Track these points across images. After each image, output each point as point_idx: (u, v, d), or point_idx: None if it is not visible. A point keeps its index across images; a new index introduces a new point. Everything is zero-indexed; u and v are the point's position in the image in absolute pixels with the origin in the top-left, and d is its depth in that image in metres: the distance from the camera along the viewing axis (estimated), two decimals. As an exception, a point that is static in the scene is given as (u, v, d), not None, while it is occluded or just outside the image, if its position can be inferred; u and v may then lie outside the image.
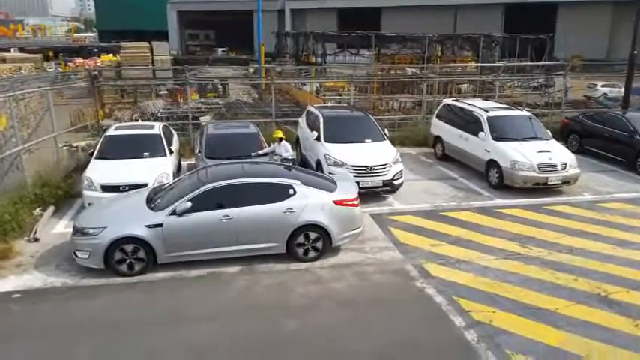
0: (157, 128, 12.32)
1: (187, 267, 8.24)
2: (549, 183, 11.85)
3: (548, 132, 13.27)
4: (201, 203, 8.14)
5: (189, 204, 8.07)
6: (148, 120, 17.42)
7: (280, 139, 11.60)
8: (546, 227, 10.12)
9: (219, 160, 10.40)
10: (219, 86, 26.53)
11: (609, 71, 27.57)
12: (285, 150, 11.51)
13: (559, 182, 11.94)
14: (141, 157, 11.05)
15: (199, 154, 11.49)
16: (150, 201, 8.56)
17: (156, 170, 10.56)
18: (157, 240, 7.97)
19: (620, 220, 10.55)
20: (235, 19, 69.86)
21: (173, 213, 8.05)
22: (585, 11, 55.15)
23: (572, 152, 13.04)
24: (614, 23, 54.45)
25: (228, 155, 10.69)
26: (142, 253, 7.98)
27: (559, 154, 12.24)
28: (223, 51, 64.83)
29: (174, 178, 10.45)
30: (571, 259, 8.72)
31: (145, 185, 9.93)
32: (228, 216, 8.18)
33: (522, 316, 7.00)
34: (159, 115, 19.09)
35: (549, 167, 11.82)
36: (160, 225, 7.99)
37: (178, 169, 12.47)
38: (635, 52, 17.60)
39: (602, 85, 28.11)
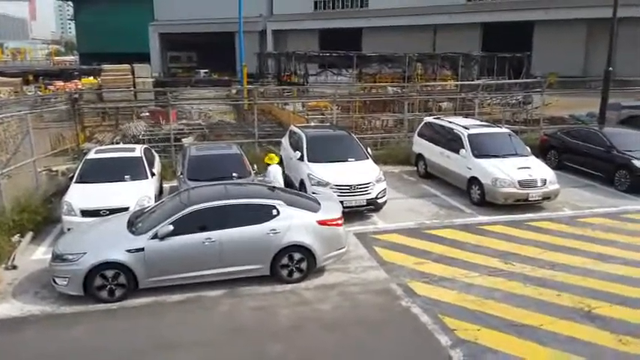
0: (138, 151, 12.23)
1: (169, 292, 8.11)
2: (530, 199, 11.99)
3: (528, 148, 13.47)
4: (184, 226, 8.05)
5: (171, 227, 7.98)
6: (130, 142, 17.28)
7: (268, 164, 11.49)
8: (528, 243, 10.20)
9: (201, 181, 10.33)
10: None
11: (585, 88, 28.13)
12: (273, 176, 11.27)
13: (539, 198, 12.09)
14: (122, 181, 10.91)
15: (181, 176, 11.41)
16: (131, 225, 8.45)
17: (137, 193, 10.44)
18: (138, 265, 7.85)
19: (601, 234, 10.68)
20: (217, 40, 70.17)
21: (155, 237, 7.95)
22: (561, 29, 56.57)
23: (552, 168, 13.25)
24: (589, 41, 55.87)
25: (210, 177, 10.61)
26: (122, 279, 7.84)
27: (539, 170, 12.42)
28: (205, 72, 64.98)
29: (156, 201, 10.34)
30: (553, 275, 8.79)
31: (125, 209, 9.80)
32: (211, 238, 8.10)
33: (507, 333, 7.01)
34: (140, 137, 18.97)
35: (530, 183, 11.97)
36: (142, 249, 7.88)
37: (160, 191, 12.35)
38: (611, 68, 18.05)
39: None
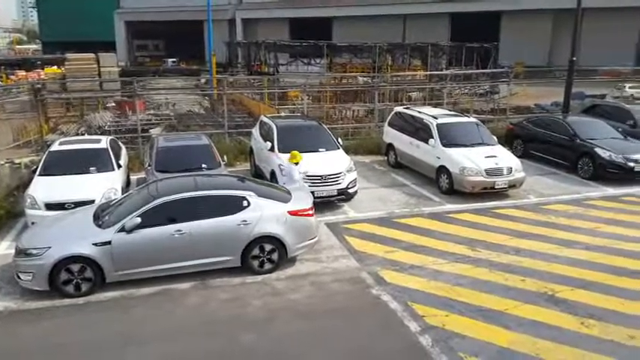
0: (104, 142, 11.96)
1: (137, 285, 7.99)
2: (496, 187, 12.24)
3: (495, 137, 13.72)
4: (152, 218, 7.94)
5: (138, 219, 7.86)
6: (95, 134, 16.90)
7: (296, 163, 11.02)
8: (494, 230, 10.43)
9: (170, 173, 10.18)
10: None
11: (551, 77, 28.84)
12: (289, 176, 10.83)
13: (506, 186, 12.35)
14: (87, 173, 10.65)
15: (149, 168, 11.22)
16: (97, 218, 8.28)
17: (103, 186, 10.22)
18: (105, 258, 7.71)
19: (564, 221, 11.00)
20: (185, 28, 69.04)
21: (122, 229, 7.81)
22: (527, 20, 57.66)
23: (517, 156, 13.52)
24: (554, 31, 57.14)
25: (179, 168, 10.48)
26: (89, 273, 7.69)
27: (505, 158, 12.67)
28: (173, 61, 63.96)
29: (122, 194, 10.16)
30: (519, 261, 9.02)
31: (91, 202, 9.59)
32: (180, 230, 8.01)
33: (474, 318, 7.18)
34: (106, 128, 18.57)
35: (496, 172, 12.21)
36: (109, 242, 7.74)
37: (127, 183, 12.13)
38: (575, 58, 18.50)
39: (630, 87, 30.15)
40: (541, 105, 26.92)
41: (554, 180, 14.07)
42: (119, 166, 11.32)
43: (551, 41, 57.45)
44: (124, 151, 12.91)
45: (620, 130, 15.10)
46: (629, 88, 32.21)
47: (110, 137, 13.01)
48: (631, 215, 11.31)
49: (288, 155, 11.76)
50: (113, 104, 23.96)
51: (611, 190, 13.09)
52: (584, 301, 7.61)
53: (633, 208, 11.79)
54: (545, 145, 15.53)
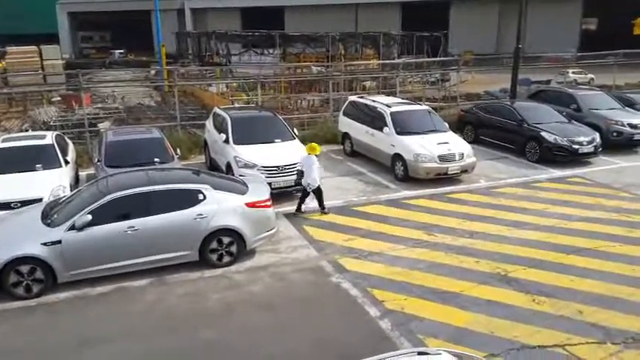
0: (49, 138, 11.51)
1: (91, 284, 7.77)
2: (449, 172, 12.53)
3: (446, 124, 14.01)
4: (104, 215, 7.71)
5: (89, 217, 7.61)
6: (40, 129, 16.20)
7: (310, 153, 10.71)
8: (449, 214, 10.70)
9: (120, 168, 9.87)
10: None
11: (498, 65, 29.64)
12: (307, 168, 10.50)
13: (458, 171, 12.67)
14: (33, 170, 10.24)
15: (99, 163, 10.86)
16: (46, 216, 7.97)
17: (51, 183, 9.84)
18: (55, 258, 7.44)
19: (514, 203, 11.39)
20: (132, 19, 66.90)
21: (72, 228, 7.55)
22: (475, 8, 59.06)
23: (469, 142, 13.88)
24: (501, 19, 58.79)
25: (130, 163, 10.16)
26: (39, 274, 7.41)
27: (457, 144, 12.97)
28: (121, 53, 61.85)
29: (71, 191, 9.79)
30: (472, 243, 9.29)
31: (39, 200, 9.23)
32: (133, 227, 7.81)
33: (431, 300, 7.36)
34: (52, 123, 17.83)
35: (449, 158, 12.49)
36: (59, 242, 7.47)
37: (76, 180, 11.75)
38: (520, 46, 19.08)
39: (573, 73, 32.47)
40: (490, 92, 27.70)
41: (503, 164, 14.52)
42: (67, 163, 10.95)
43: (498, 29, 59.12)
44: (71, 147, 12.50)
45: (564, 114, 15.73)
46: (572, 73, 33.67)
47: (56, 133, 12.61)
48: (576, 195, 11.83)
49: (244, 147, 11.66)
50: (58, 98, 23.04)
51: (557, 172, 13.65)
52: (535, 280, 7.93)
53: (578, 189, 12.34)
54: (495, 130, 15.98)
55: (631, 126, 15.56)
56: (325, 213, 10.76)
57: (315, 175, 10.56)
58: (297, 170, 10.76)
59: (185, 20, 69.97)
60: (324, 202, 10.85)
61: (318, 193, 10.73)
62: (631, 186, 12.44)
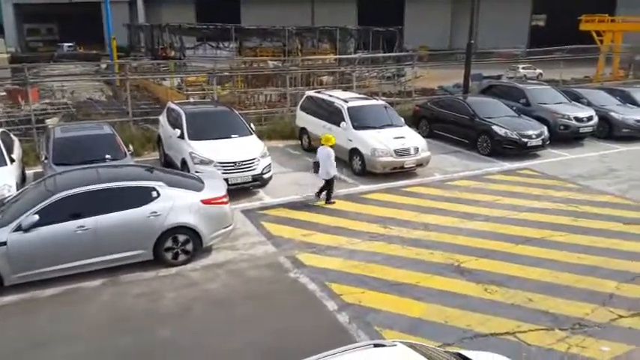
0: (-7, 135, 10.98)
1: (41, 286, 7.48)
2: (405, 166, 12.74)
3: (402, 119, 14.23)
4: (52, 215, 7.43)
5: (36, 217, 7.33)
6: (-17, 126, 15.43)
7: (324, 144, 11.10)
8: (404, 207, 10.88)
9: (69, 166, 9.53)
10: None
11: (452, 60, 30.25)
12: (323, 160, 10.88)
13: (414, 165, 12.90)
14: (-25, 170, 9.77)
15: (46, 161, 10.43)
16: (-11, 217, 7.61)
17: (-5, 182, 9.41)
18: (1, 260, 7.12)
19: (467, 195, 11.70)
20: (81, 10, 64.52)
21: (18, 228, 7.26)
22: (428, 4, 60.09)
23: (423, 137, 14.10)
24: (454, 15, 60.10)
25: (80, 160, 9.82)
26: (-17, 277, 7.09)
27: (412, 139, 13.19)
28: (70, 46, 59.48)
29: (17, 190, 9.39)
30: (427, 235, 9.50)
31: (-18, 200, 8.79)
32: (83, 226, 7.57)
33: (387, 292, 7.48)
34: (-4, 119, 17.01)
35: (404, 152, 12.69)
36: (4, 243, 7.16)
37: (23, 179, 11.24)
38: (472, 41, 19.55)
39: (523, 68, 34.12)
40: (444, 87, 28.28)
41: (457, 157, 14.88)
42: (12, 161, 10.48)
43: (451, 25, 60.42)
44: (17, 144, 12.00)
45: (514, 108, 16.25)
46: (522, 69, 34.84)
47: (1, 129, 12.03)
48: (525, 187, 12.26)
49: (200, 142, 11.47)
50: (3, 93, 22.02)
51: (507, 165, 14.10)
52: (486, 269, 8.18)
53: (527, 181, 12.79)
54: (448, 124, 16.33)
55: (577, 119, 16.23)
56: (331, 203, 11.03)
57: (332, 166, 10.92)
58: (313, 162, 11.17)
59: (137, 12, 68.06)
60: (281, 198, 10.83)
61: (329, 184, 11.02)
62: (577, 177, 13.00)
